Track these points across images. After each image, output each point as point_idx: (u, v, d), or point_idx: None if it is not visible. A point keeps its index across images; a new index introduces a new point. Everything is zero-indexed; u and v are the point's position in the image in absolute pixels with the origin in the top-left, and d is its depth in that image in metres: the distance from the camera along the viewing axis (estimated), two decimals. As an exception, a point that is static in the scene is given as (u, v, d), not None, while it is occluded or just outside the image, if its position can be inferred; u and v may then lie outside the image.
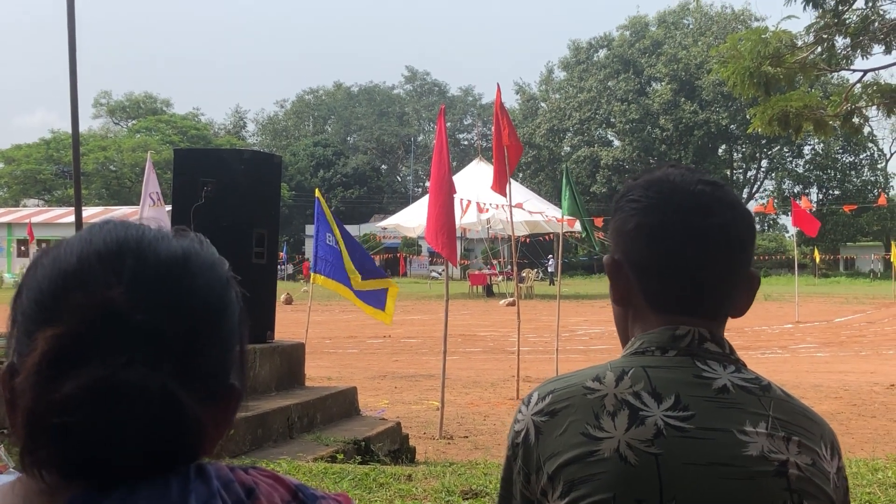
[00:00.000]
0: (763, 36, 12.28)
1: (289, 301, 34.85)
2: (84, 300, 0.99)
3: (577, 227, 21.43)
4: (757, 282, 1.62)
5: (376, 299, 13.26)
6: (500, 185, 12.98)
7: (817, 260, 62.05)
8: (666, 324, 1.56)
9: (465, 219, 34.44)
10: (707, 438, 1.45)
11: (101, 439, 0.97)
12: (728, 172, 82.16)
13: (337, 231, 13.47)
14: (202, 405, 1.02)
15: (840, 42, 12.92)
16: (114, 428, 0.97)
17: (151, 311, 1.00)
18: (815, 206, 72.94)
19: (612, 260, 1.62)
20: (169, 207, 10.69)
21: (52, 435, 0.97)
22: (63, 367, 0.97)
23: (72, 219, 10.91)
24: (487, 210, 35.63)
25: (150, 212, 16.80)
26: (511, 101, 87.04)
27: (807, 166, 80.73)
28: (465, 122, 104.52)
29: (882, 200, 43.89)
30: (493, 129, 13.03)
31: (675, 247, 1.55)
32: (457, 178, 16.13)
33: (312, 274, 14.22)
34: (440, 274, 52.80)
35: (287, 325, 16.17)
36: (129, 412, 0.97)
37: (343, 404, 9.94)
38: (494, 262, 51.18)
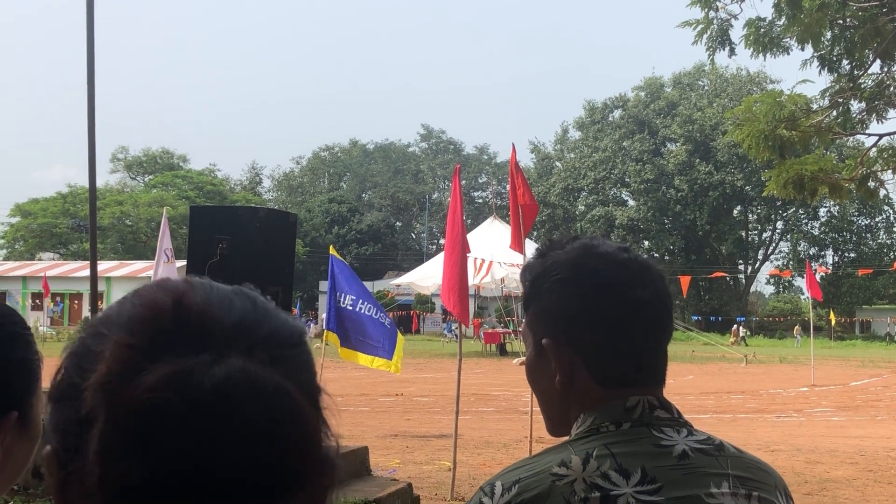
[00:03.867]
0: (778, 99, 12.32)
1: (301, 357, 34.77)
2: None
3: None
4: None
5: (383, 347, 13.23)
6: (518, 244, 13.01)
7: (833, 322, 61.79)
8: (614, 397, 1.55)
9: (479, 277, 34.45)
10: None
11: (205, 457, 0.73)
12: (743, 234, 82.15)
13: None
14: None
15: (855, 106, 12.97)
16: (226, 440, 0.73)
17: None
18: (830, 269, 72.92)
19: (554, 344, 1.58)
20: (182, 263, 10.71)
21: None
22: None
23: (87, 273, 10.95)
24: (502, 279, 35.66)
25: (164, 268, 16.97)
26: (526, 159, 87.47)
27: (822, 228, 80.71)
28: (480, 180, 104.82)
29: (896, 267, 43.88)
30: (508, 188, 13.04)
31: (624, 321, 1.56)
32: (471, 237, 16.11)
33: (325, 331, 14.19)
34: (453, 332, 52.70)
35: (299, 383, 16.06)
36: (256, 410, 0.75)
37: (353, 464, 9.86)
38: (508, 319, 51.05)
